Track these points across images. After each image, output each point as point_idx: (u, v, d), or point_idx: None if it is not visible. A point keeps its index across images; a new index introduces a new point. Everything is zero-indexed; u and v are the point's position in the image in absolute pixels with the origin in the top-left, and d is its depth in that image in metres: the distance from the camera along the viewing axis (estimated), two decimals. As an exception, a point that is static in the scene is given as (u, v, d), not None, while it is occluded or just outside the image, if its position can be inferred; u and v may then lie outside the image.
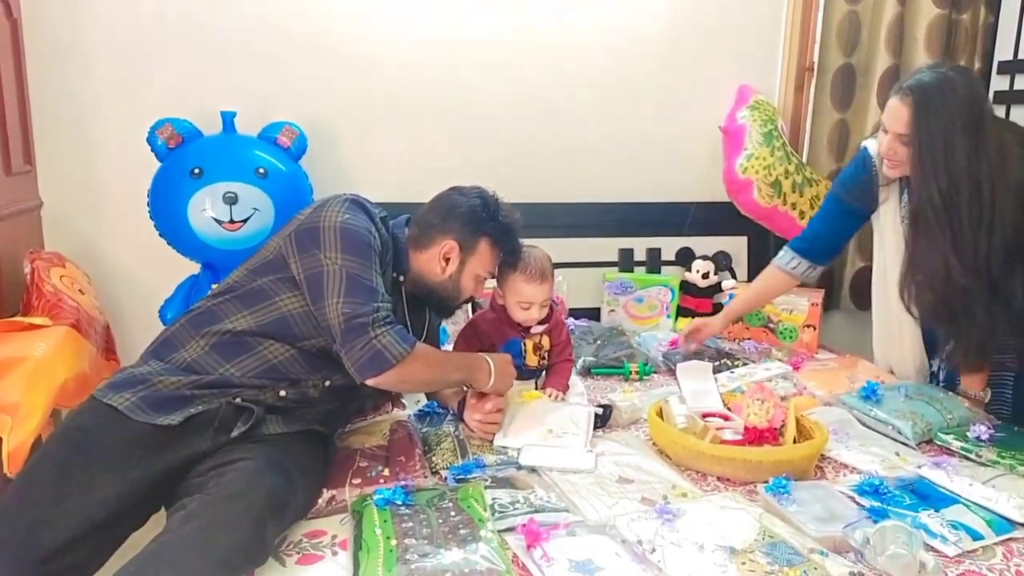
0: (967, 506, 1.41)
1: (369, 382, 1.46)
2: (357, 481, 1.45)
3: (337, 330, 1.44)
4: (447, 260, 1.67)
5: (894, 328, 2.09)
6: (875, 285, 2.14)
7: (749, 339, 2.51)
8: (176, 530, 1.14)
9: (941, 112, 1.73)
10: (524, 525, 1.27)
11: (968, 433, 1.70)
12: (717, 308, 2.66)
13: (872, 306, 2.19)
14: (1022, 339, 1.88)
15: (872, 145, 1.97)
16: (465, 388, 1.76)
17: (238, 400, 1.43)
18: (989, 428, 1.70)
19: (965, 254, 1.74)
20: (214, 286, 2.17)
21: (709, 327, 2.30)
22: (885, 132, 1.84)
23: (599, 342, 2.38)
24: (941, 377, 2.10)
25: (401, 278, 1.69)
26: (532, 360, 1.90)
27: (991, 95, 2.71)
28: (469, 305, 2.46)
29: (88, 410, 1.38)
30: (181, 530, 1.13)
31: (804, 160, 2.76)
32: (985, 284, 1.75)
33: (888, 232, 2.01)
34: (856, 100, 2.73)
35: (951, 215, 1.74)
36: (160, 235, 2.15)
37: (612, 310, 2.69)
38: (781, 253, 2.20)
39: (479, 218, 1.67)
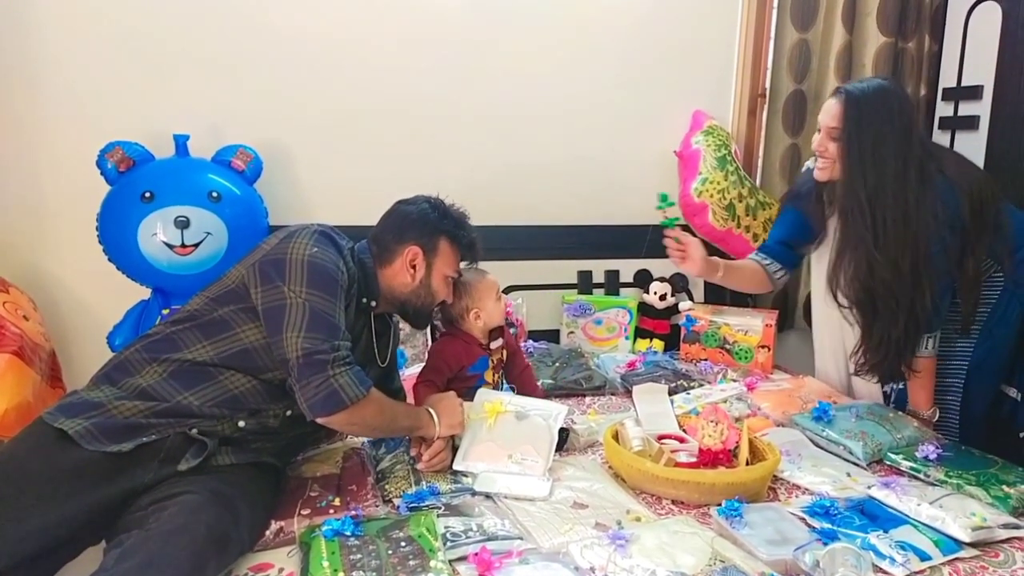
0: (915, 526, 1.43)
1: (319, 421, 1.43)
2: (307, 511, 1.42)
3: (294, 364, 1.40)
4: (414, 267, 1.67)
5: (827, 343, 2.19)
6: (815, 302, 2.20)
7: (706, 360, 2.53)
8: (111, 569, 1.10)
9: (873, 112, 1.80)
10: (476, 554, 1.25)
11: (917, 453, 1.73)
12: (674, 329, 2.69)
13: (812, 322, 2.25)
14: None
15: (812, 163, 2.05)
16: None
17: (193, 431, 1.39)
18: (937, 448, 1.73)
19: (888, 252, 1.80)
20: (165, 311, 2.14)
21: (701, 253, 2.16)
22: (819, 131, 1.91)
23: (558, 364, 2.37)
24: (892, 398, 2.14)
25: (373, 303, 1.68)
26: (490, 377, 1.89)
27: (936, 121, 2.80)
28: (428, 330, 2.45)
29: (32, 435, 1.33)
30: (115, 569, 1.09)
31: (757, 184, 2.82)
32: (908, 281, 1.81)
33: (825, 248, 2.06)
34: (807, 125, 2.79)
35: (875, 214, 1.81)
36: (109, 260, 2.09)
37: (571, 332, 2.70)
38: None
39: (432, 220, 1.69)
